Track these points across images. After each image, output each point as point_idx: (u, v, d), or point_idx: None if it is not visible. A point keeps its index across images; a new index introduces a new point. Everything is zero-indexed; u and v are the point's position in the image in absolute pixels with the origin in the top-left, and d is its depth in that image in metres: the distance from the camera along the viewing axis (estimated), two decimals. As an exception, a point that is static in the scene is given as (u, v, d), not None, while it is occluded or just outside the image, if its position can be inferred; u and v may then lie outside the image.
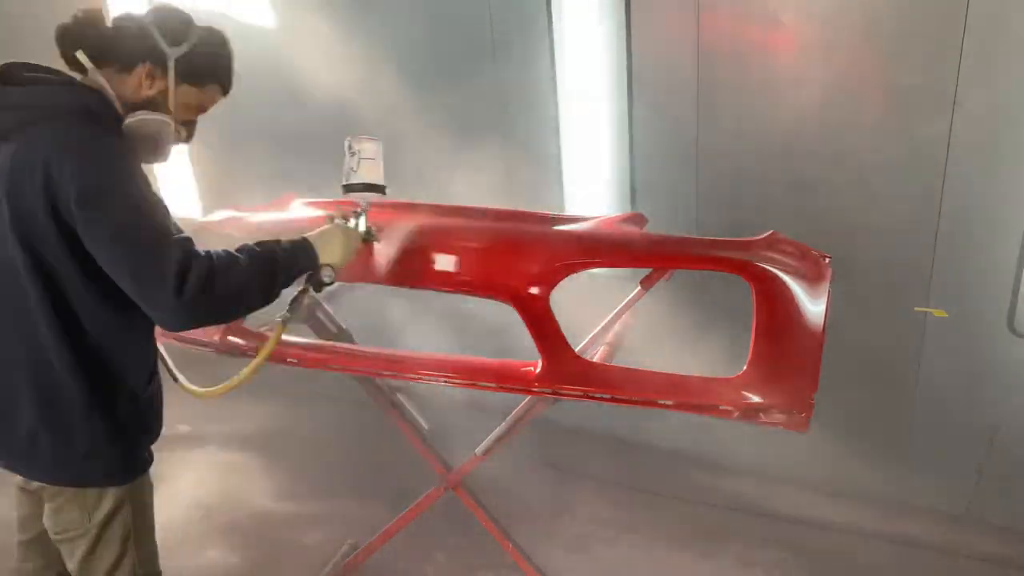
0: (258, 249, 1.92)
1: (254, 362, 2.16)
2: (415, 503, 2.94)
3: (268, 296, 1.94)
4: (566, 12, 3.66)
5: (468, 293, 2.52)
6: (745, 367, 2.18)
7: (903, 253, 3.34)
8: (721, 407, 2.14)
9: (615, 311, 2.69)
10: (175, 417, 4.77)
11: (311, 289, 2.14)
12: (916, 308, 3.36)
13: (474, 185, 3.70)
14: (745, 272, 2.27)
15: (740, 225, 2.56)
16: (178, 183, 5.29)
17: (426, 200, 3.03)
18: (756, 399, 2.13)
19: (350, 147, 2.30)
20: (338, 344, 3.03)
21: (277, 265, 1.95)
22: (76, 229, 1.74)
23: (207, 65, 2.03)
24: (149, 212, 1.79)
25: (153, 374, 2.12)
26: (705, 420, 3.95)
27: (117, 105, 1.89)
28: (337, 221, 2.21)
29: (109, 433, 1.98)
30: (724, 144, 3.49)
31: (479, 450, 2.77)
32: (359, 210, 2.31)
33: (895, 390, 3.55)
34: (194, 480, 4.20)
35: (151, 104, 1.93)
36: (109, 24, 1.91)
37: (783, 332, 2.19)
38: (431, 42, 3.99)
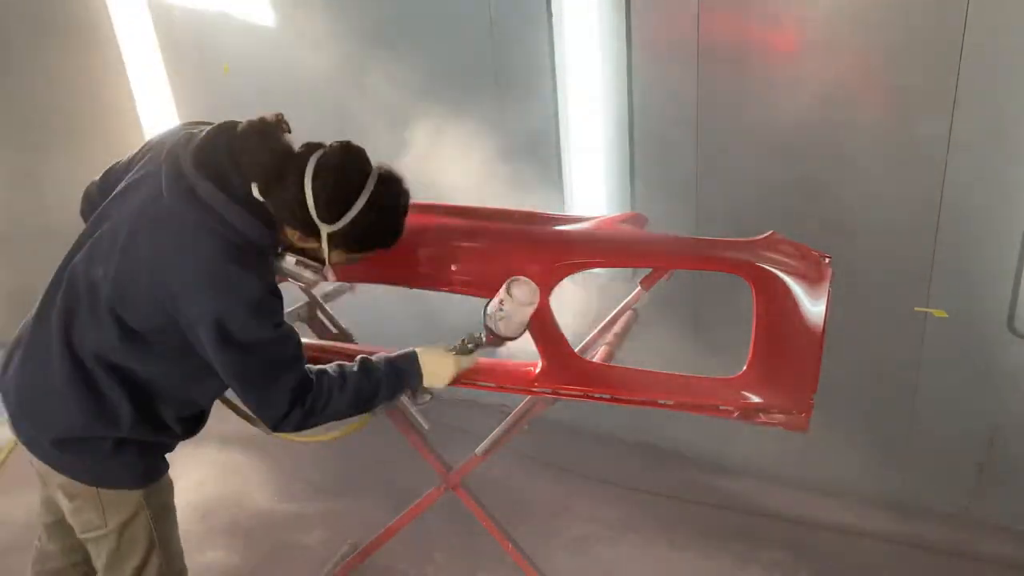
0: (366, 378, 2.04)
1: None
2: (415, 503, 2.94)
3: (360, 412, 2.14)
4: (566, 11, 3.66)
5: (469, 293, 2.52)
6: (745, 367, 2.18)
7: (903, 253, 3.33)
8: (721, 407, 2.14)
9: (615, 311, 2.69)
10: (175, 417, 4.79)
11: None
12: (916, 308, 3.36)
13: (472, 184, 3.69)
14: (745, 272, 2.27)
15: (740, 225, 2.56)
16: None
17: (425, 199, 3.03)
18: (756, 399, 2.13)
19: (508, 288, 2.20)
20: (338, 344, 3.03)
21: (378, 396, 2.10)
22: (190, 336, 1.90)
23: (365, 237, 1.99)
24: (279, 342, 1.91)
25: (202, 421, 2.33)
26: (705, 420, 3.96)
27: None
28: (455, 346, 2.24)
29: (135, 444, 2.12)
30: (724, 144, 3.49)
31: (479, 450, 2.77)
32: (476, 343, 2.28)
33: (895, 390, 3.55)
34: (194, 480, 4.20)
35: (304, 253, 1.99)
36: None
37: (783, 332, 2.20)
38: (431, 40, 3.98)
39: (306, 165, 1.85)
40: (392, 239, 2.04)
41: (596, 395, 2.29)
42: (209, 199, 1.82)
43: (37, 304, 2.15)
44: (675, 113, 3.53)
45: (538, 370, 2.34)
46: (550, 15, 3.65)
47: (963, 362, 3.36)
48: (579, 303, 3.17)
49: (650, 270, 2.71)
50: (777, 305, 2.23)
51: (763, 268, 2.28)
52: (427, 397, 2.20)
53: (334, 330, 3.17)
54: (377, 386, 2.09)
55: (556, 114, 3.81)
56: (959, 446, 3.48)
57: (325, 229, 1.89)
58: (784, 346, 2.19)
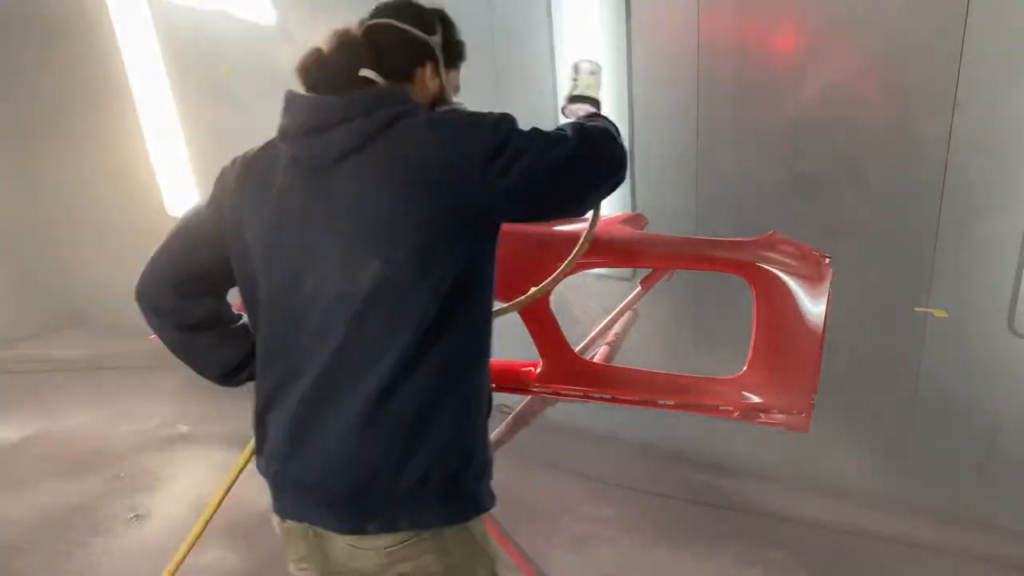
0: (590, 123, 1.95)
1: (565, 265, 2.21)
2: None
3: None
4: (565, 11, 3.66)
5: None
6: (745, 367, 2.17)
7: (903, 253, 3.34)
8: (721, 407, 2.13)
9: (615, 311, 2.69)
10: (175, 417, 4.81)
11: None
12: (916, 308, 3.36)
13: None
14: (745, 272, 2.27)
15: (740, 225, 2.56)
16: (177, 182, 5.29)
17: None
18: (756, 399, 2.12)
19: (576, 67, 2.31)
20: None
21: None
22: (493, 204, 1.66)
23: (458, 44, 2.01)
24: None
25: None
26: (705, 420, 3.95)
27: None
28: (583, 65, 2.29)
29: (477, 462, 1.76)
30: (724, 144, 3.49)
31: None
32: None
33: (896, 390, 3.55)
34: (195, 480, 4.21)
35: (437, 101, 1.92)
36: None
37: (783, 333, 2.19)
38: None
39: (378, 18, 1.87)
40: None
41: (596, 395, 2.29)
42: (385, 102, 1.70)
43: (278, 376, 1.76)
44: (675, 113, 3.53)
45: (538, 370, 2.34)
46: (551, 16, 3.65)
47: (963, 362, 3.36)
48: (579, 303, 3.17)
49: (650, 270, 2.71)
50: (777, 305, 2.22)
51: (763, 268, 2.28)
52: None
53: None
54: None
55: (556, 114, 3.81)
56: (959, 446, 3.48)
57: (434, 42, 1.89)
58: (784, 346, 2.19)
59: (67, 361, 5.67)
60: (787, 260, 2.35)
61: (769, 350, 2.18)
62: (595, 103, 2.23)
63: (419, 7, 1.90)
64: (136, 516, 3.91)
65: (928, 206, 3.19)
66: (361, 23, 1.89)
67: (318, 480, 1.71)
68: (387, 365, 1.62)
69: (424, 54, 1.87)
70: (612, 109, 3.67)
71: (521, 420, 2.69)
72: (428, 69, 1.87)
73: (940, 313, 3.33)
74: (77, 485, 4.16)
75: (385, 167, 1.64)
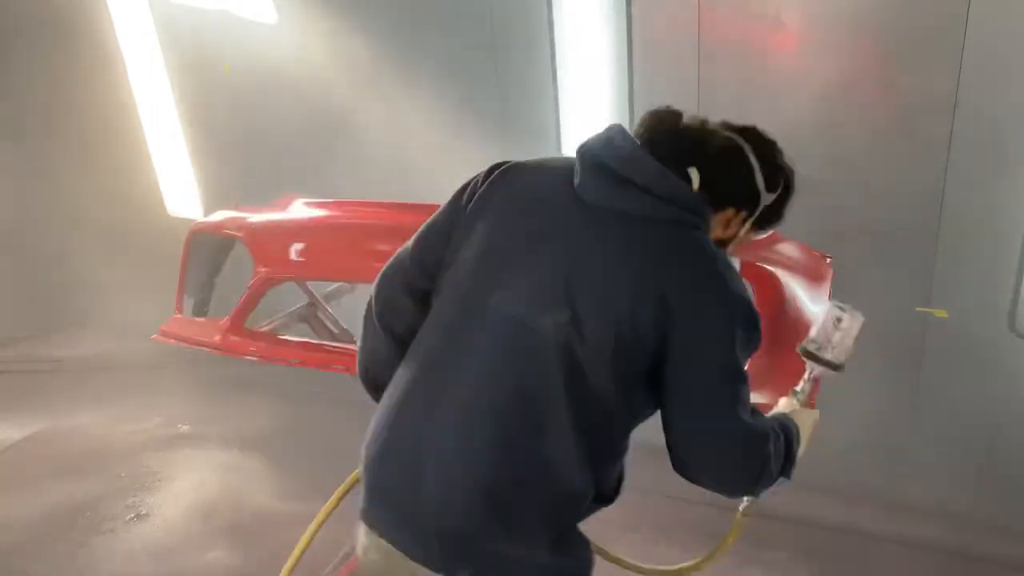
0: (780, 437, 1.70)
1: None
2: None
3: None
4: (566, 10, 3.66)
5: None
6: (746, 366, 2.17)
7: (904, 254, 3.33)
8: None
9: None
10: (175, 417, 4.81)
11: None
12: (917, 308, 3.36)
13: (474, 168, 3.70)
14: (746, 272, 2.27)
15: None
16: (179, 182, 5.30)
17: (424, 199, 3.04)
18: (758, 399, 2.12)
19: (839, 317, 1.99)
20: (339, 344, 3.03)
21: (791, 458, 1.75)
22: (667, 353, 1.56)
23: (780, 212, 1.83)
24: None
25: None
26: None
27: None
28: (798, 398, 1.99)
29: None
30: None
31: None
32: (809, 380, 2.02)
33: (896, 390, 3.54)
34: (196, 481, 4.21)
35: (720, 242, 1.75)
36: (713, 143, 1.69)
37: (784, 332, 2.19)
38: (432, 40, 3.99)
39: (736, 139, 1.71)
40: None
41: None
42: (692, 207, 1.62)
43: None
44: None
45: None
46: (551, 19, 3.65)
47: (964, 362, 3.36)
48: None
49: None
50: (778, 304, 2.22)
51: (764, 268, 2.28)
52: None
53: (335, 330, 3.18)
54: (791, 447, 1.75)
55: (557, 114, 3.81)
56: (960, 446, 3.48)
57: (764, 201, 1.73)
58: (785, 345, 2.18)
59: (68, 361, 5.66)
60: (788, 259, 2.35)
61: (770, 349, 2.17)
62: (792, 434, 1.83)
63: (778, 159, 1.77)
64: (137, 516, 3.90)
65: (929, 207, 3.20)
66: (725, 125, 1.75)
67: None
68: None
69: (747, 202, 1.73)
70: (614, 112, 3.68)
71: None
72: (741, 215, 1.73)
73: (941, 313, 3.33)
74: (78, 485, 4.16)
75: (630, 251, 1.57)
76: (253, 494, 4.07)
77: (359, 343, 1.88)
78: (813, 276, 2.33)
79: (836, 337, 1.96)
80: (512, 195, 1.68)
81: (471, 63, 3.91)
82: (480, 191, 1.70)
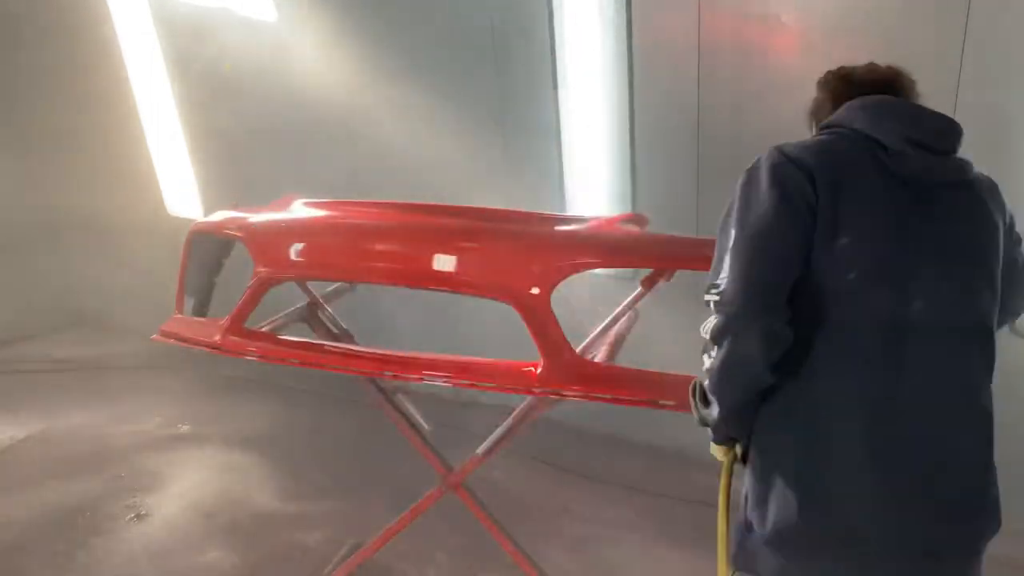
0: None
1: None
2: (416, 503, 2.94)
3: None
4: (567, 14, 3.66)
5: (470, 293, 2.53)
6: None
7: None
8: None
9: (616, 311, 2.69)
10: (175, 417, 4.81)
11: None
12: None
13: (475, 185, 3.69)
14: None
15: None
16: (179, 182, 5.30)
17: (426, 200, 3.03)
18: None
19: None
20: (339, 344, 3.03)
21: None
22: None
23: None
24: None
25: None
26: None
27: None
28: None
29: None
30: (725, 146, 3.49)
31: (480, 451, 2.77)
32: None
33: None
34: (195, 480, 4.21)
35: None
36: None
37: None
38: (433, 43, 3.99)
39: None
40: None
41: (597, 395, 2.29)
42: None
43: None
44: (676, 115, 3.54)
45: (539, 370, 2.34)
46: (552, 25, 3.65)
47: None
48: (579, 303, 3.17)
49: (650, 270, 2.71)
50: None
51: None
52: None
53: (335, 330, 3.18)
54: None
55: (557, 116, 3.82)
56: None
57: None
58: None
59: (68, 361, 5.67)
60: None
61: None
62: None
63: None
64: (137, 516, 3.90)
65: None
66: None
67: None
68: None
69: None
70: (613, 110, 3.68)
71: (521, 420, 2.70)
72: None
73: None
74: (78, 485, 4.16)
75: (981, 207, 1.73)
76: (253, 494, 4.07)
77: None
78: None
79: None
80: (848, 196, 1.65)
81: (472, 65, 3.91)
82: (820, 206, 1.64)
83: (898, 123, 1.69)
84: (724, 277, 1.68)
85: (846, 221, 1.62)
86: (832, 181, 1.64)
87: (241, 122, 4.79)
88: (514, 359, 2.43)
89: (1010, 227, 1.82)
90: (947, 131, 1.72)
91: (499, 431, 2.74)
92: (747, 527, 1.77)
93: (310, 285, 3.16)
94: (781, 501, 1.67)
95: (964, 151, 2.91)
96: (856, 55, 3.15)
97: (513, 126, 3.85)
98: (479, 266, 2.51)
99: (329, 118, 4.42)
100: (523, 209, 3.10)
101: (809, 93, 3.23)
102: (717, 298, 1.70)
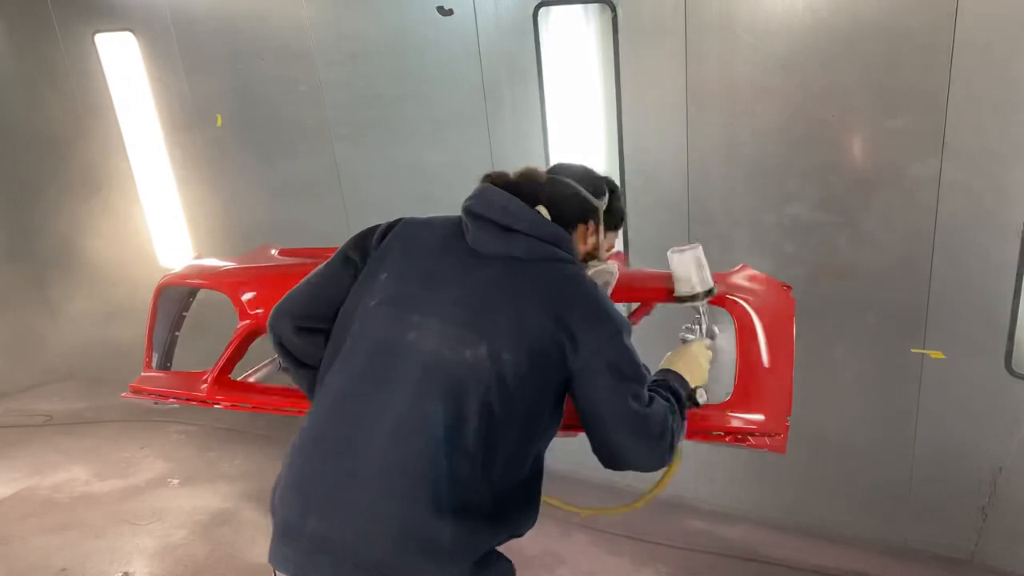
0: (667, 404, 1.93)
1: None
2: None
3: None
4: (554, 66, 3.70)
5: None
6: (732, 393, 2.21)
7: (897, 295, 3.32)
8: (713, 432, 2.17)
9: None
10: (165, 471, 4.76)
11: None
12: (913, 350, 3.34)
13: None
14: (722, 304, 2.31)
15: (732, 265, 2.55)
16: (171, 233, 5.30)
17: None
18: (742, 424, 2.17)
19: (681, 257, 2.25)
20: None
21: (679, 416, 1.96)
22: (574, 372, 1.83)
23: (620, 211, 2.20)
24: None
25: None
26: (705, 467, 3.90)
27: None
28: (688, 338, 2.26)
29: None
30: (714, 187, 3.50)
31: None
32: (697, 318, 2.29)
33: (894, 433, 3.50)
34: (185, 536, 4.14)
35: (590, 255, 2.12)
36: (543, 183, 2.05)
37: (759, 360, 2.25)
38: (424, 93, 4.03)
39: (558, 175, 2.09)
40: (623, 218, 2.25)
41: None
42: (559, 242, 1.94)
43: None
44: (666, 155, 3.54)
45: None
46: (540, 66, 3.69)
47: (962, 403, 3.33)
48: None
49: (637, 305, 2.72)
50: (751, 333, 2.27)
51: (734, 299, 2.31)
52: (703, 397, 2.05)
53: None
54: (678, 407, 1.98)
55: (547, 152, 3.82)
56: (961, 489, 3.42)
57: (600, 206, 2.09)
58: (762, 372, 2.24)
59: (58, 414, 5.62)
60: (754, 290, 2.40)
61: (750, 376, 2.23)
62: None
63: (593, 174, 2.14)
64: (125, 574, 3.84)
65: (920, 246, 3.19)
66: (529, 172, 2.07)
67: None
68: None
69: (589, 214, 2.08)
70: (603, 157, 3.69)
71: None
72: (589, 227, 2.09)
73: (937, 355, 3.30)
74: (65, 542, 4.10)
75: (524, 288, 1.85)
76: (244, 548, 4.01)
77: None
78: (778, 306, 2.38)
79: (693, 270, 2.22)
80: (411, 249, 1.96)
81: (463, 109, 3.94)
82: (377, 245, 1.99)
83: (471, 199, 1.96)
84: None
85: (391, 263, 1.97)
86: (405, 232, 2.03)
87: (232, 174, 4.82)
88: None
89: (587, 368, 1.84)
90: (512, 211, 1.91)
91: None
92: None
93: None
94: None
95: (953, 191, 2.93)
96: (843, 96, 3.18)
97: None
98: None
99: (318, 166, 4.45)
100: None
101: (797, 134, 3.27)
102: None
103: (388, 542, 1.72)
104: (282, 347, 2.06)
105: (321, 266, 2.06)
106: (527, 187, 1.99)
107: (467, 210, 1.93)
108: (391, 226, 2.02)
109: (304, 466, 1.85)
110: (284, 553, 1.83)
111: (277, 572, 1.86)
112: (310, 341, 2.01)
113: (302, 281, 2.06)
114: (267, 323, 2.06)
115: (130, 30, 4.81)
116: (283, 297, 2.05)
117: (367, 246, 2.01)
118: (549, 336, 1.78)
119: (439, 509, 1.71)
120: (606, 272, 2.14)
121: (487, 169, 2.04)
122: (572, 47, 3.65)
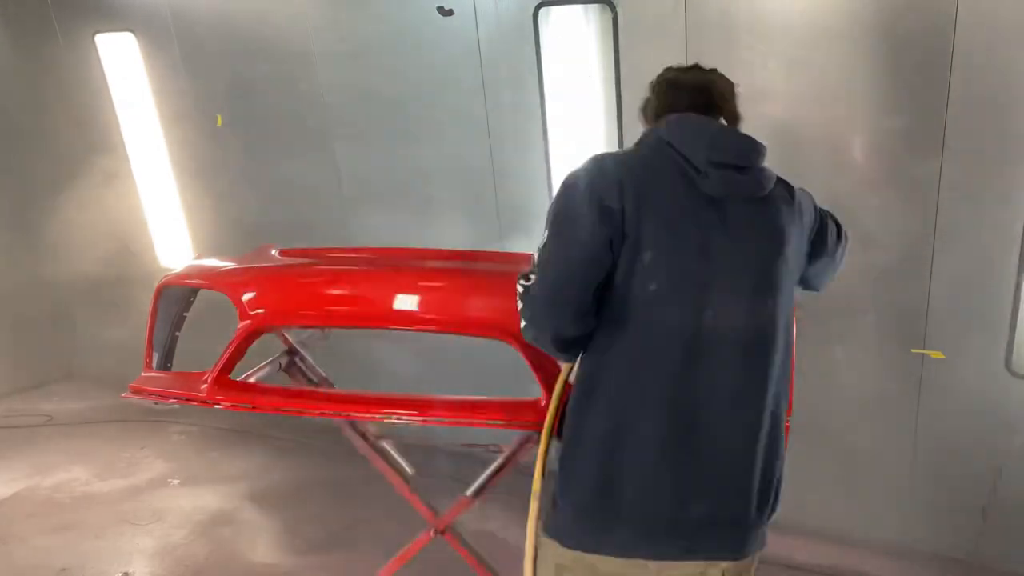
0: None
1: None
2: (403, 549, 2.88)
3: None
4: (555, 71, 3.70)
5: (468, 334, 2.54)
6: None
7: (898, 295, 3.32)
8: None
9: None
10: (166, 471, 4.75)
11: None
12: (913, 350, 3.33)
13: (465, 221, 3.69)
14: None
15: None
16: (171, 233, 5.30)
17: (420, 241, 3.04)
18: None
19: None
20: (322, 390, 3.02)
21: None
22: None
23: None
24: None
25: None
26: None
27: None
28: None
29: None
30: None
31: (469, 492, 2.73)
32: None
33: (894, 434, 3.50)
34: (186, 536, 4.13)
35: None
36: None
37: None
38: (424, 93, 4.02)
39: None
40: None
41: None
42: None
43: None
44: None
45: (544, 403, 2.33)
46: (540, 66, 3.69)
47: (962, 404, 3.33)
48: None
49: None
50: None
51: None
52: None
53: (314, 379, 3.12)
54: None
55: (548, 170, 3.82)
56: (962, 489, 3.42)
57: None
58: None
59: (59, 415, 5.62)
60: None
61: None
62: None
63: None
64: (126, 574, 3.83)
65: (921, 247, 3.19)
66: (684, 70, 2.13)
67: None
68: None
69: None
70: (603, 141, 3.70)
71: (510, 461, 2.67)
72: None
73: (937, 355, 3.30)
74: (65, 542, 4.09)
75: (772, 220, 1.91)
76: (245, 549, 4.00)
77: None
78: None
79: None
80: (664, 218, 1.82)
81: (461, 109, 3.93)
82: (627, 220, 1.80)
83: (702, 146, 1.85)
84: (534, 276, 1.89)
85: (650, 237, 1.79)
86: (639, 195, 1.80)
87: (234, 174, 4.81)
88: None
89: (818, 227, 2.14)
90: (746, 150, 1.91)
91: (488, 472, 2.71)
92: (554, 497, 1.97)
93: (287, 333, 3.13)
94: (580, 482, 1.89)
95: (953, 192, 2.93)
96: (845, 97, 3.18)
97: (504, 181, 3.88)
98: (474, 306, 2.57)
99: (318, 165, 4.45)
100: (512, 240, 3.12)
101: (797, 136, 3.26)
102: (522, 290, 1.92)
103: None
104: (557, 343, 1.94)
105: (579, 252, 1.83)
106: (725, 93, 2.08)
107: (709, 161, 1.84)
108: (619, 188, 1.81)
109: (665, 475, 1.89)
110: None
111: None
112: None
113: (559, 257, 1.86)
114: (536, 321, 1.92)
115: (130, 30, 4.81)
116: (544, 281, 1.87)
117: (614, 209, 1.80)
118: (792, 247, 1.97)
119: None
120: None
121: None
122: (572, 47, 3.65)
